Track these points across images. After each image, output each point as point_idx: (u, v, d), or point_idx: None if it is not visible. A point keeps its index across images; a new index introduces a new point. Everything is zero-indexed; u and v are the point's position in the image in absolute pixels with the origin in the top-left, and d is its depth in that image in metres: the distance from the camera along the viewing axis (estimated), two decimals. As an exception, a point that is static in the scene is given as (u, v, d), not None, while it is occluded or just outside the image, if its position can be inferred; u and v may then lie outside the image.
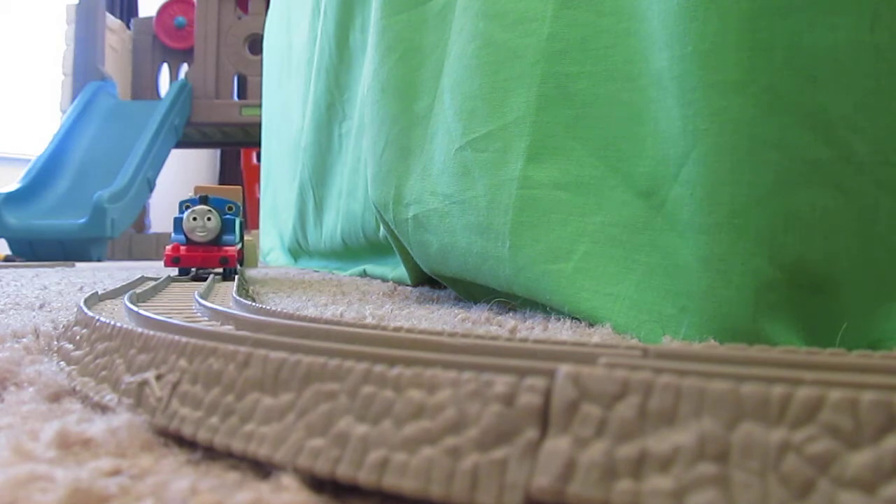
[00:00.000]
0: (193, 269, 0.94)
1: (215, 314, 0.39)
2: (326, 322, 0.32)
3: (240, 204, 1.05)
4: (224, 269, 0.92)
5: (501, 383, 0.17)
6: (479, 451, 0.16)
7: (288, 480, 0.18)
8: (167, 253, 0.89)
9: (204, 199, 0.93)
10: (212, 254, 0.90)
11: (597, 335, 0.44)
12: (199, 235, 0.91)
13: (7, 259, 2.26)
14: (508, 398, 0.17)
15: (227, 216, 0.95)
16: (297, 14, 1.62)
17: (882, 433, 0.14)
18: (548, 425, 0.16)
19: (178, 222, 0.92)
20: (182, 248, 0.90)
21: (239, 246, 1.01)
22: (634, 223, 0.47)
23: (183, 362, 0.24)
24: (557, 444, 0.16)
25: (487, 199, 0.57)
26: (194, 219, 0.91)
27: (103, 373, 0.28)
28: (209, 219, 0.91)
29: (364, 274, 1.21)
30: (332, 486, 0.19)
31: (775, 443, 0.14)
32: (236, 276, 0.85)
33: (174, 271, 0.93)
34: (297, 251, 1.69)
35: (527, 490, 0.15)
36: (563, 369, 0.17)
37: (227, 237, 0.94)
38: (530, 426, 0.16)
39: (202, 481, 0.19)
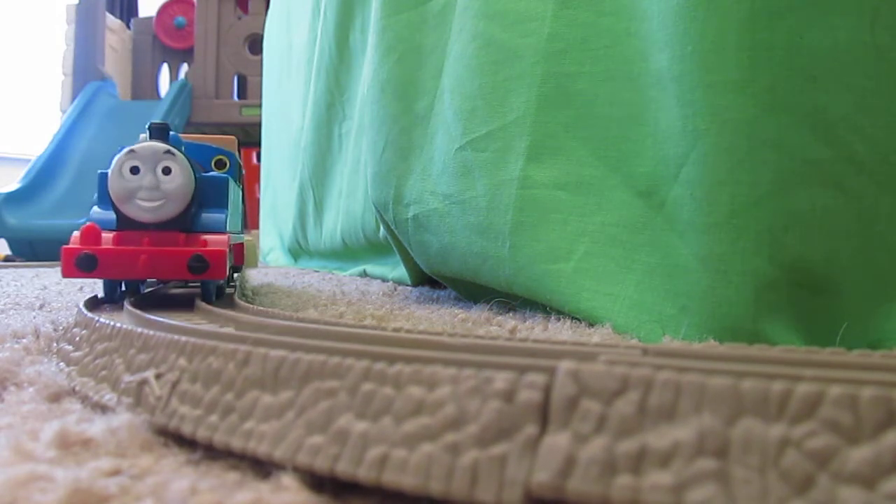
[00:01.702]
0: (140, 285, 0.50)
1: (215, 316, 0.39)
2: (326, 323, 0.32)
3: (237, 157, 0.61)
4: (202, 284, 0.47)
5: (501, 380, 0.17)
6: (479, 447, 0.16)
7: (288, 480, 0.18)
8: (66, 248, 0.42)
9: (160, 130, 0.46)
10: (172, 249, 0.43)
11: (597, 335, 0.44)
12: (143, 207, 0.44)
13: (7, 259, 2.25)
14: (508, 394, 0.17)
15: (213, 175, 0.50)
16: (297, 14, 1.62)
17: (882, 429, 0.14)
18: (548, 421, 0.16)
19: (102, 181, 0.46)
20: (104, 235, 0.43)
21: (235, 237, 0.56)
22: (634, 223, 0.47)
23: (182, 361, 0.24)
24: (557, 440, 0.16)
25: (487, 199, 0.57)
26: (133, 170, 0.43)
27: (103, 373, 0.28)
28: (167, 171, 0.44)
29: (364, 274, 1.21)
30: (332, 486, 0.19)
31: (775, 438, 0.14)
32: (234, 287, 0.58)
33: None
34: (297, 251, 1.69)
35: (526, 486, 0.15)
36: (564, 365, 0.17)
37: (209, 215, 0.47)
38: (530, 422, 0.16)
39: (202, 481, 0.19)
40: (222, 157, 0.58)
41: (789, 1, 0.36)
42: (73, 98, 3.10)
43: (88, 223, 0.44)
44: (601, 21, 0.50)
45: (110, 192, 0.44)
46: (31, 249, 2.45)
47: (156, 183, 0.44)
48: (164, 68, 3.53)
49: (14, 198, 2.58)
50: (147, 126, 0.47)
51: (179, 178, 0.44)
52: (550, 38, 0.53)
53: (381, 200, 0.74)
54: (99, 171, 0.47)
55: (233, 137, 0.67)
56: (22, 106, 3.73)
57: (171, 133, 0.47)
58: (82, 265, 0.42)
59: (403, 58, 0.70)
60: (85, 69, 3.14)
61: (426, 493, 0.17)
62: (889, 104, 0.37)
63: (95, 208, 0.48)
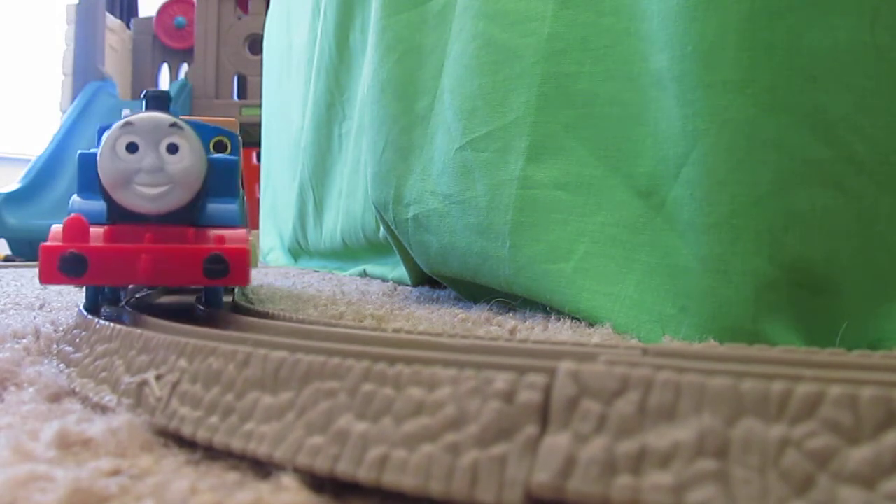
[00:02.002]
0: (121, 293, 0.44)
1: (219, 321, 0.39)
2: (326, 324, 0.32)
3: (239, 138, 0.48)
4: (205, 292, 0.41)
5: (501, 380, 0.17)
6: (479, 447, 0.16)
7: (288, 480, 0.18)
8: (46, 246, 0.33)
9: (159, 100, 0.38)
10: (183, 248, 0.35)
11: (597, 335, 0.44)
12: (142, 195, 0.35)
13: (7, 259, 2.26)
14: (508, 395, 0.17)
15: (221, 157, 0.41)
16: (297, 14, 1.62)
17: (882, 429, 0.14)
18: (548, 422, 0.16)
19: (85, 164, 0.39)
20: (93, 230, 0.35)
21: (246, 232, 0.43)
22: (634, 223, 0.47)
23: (183, 362, 0.24)
24: (557, 441, 0.16)
25: (487, 199, 0.57)
26: (130, 147, 0.35)
27: (103, 374, 0.28)
28: (173, 148, 0.35)
29: (364, 274, 1.21)
30: (332, 486, 0.19)
31: (775, 438, 0.14)
32: (233, 291, 0.52)
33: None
34: (297, 251, 1.69)
35: (526, 486, 0.15)
36: (564, 366, 0.17)
37: (218, 205, 0.39)
38: (530, 422, 0.16)
39: (202, 481, 0.19)
40: (223, 138, 0.46)
41: (789, 1, 0.36)
42: (73, 98, 3.10)
43: (73, 214, 0.35)
44: (601, 21, 0.50)
45: (101, 176, 0.35)
46: (31, 249, 2.45)
47: (159, 164, 0.35)
48: (164, 68, 3.53)
49: (14, 198, 2.58)
50: (142, 95, 0.38)
51: (189, 158, 0.35)
52: (550, 38, 0.53)
53: (381, 200, 0.74)
54: (79, 152, 0.39)
55: (234, 119, 0.55)
56: (22, 106, 3.73)
57: (170, 101, 0.38)
58: (68, 268, 0.33)
59: (403, 58, 0.70)
60: (85, 69, 3.14)
61: (426, 494, 0.17)
62: (889, 104, 0.37)
63: (75, 198, 0.39)
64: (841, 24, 0.36)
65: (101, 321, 0.33)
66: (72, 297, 0.73)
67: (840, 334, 0.38)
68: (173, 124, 0.35)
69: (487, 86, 0.58)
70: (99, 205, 0.37)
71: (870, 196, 0.37)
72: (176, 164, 0.35)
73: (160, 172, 0.35)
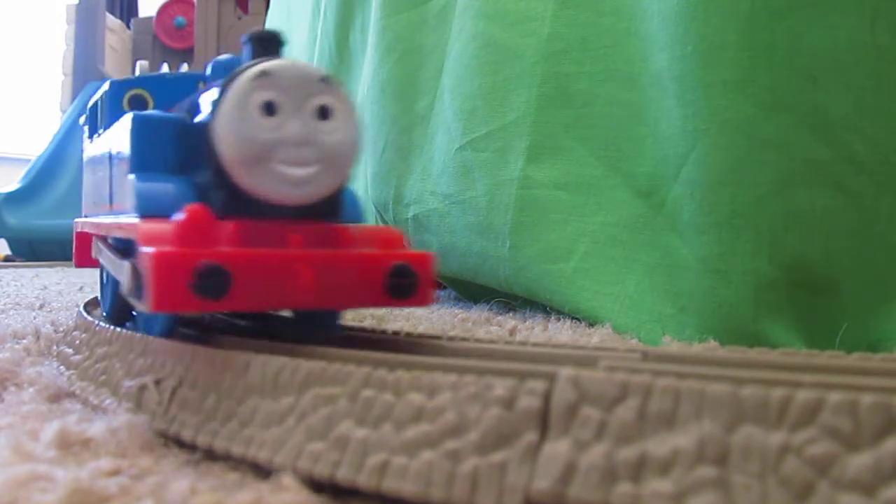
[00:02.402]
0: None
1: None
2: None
3: None
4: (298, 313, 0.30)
5: (501, 386, 0.17)
6: (479, 454, 0.16)
7: (288, 480, 0.18)
8: (164, 254, 0.21)
9: (268, 42, 0.26)
10: (356, 256, 0.24)
11: (597, 335, 0.44)
12: (287, 177, 0.24)
13: (7, 259, 2.26)
14: (508, 401, 0.17)
15: None
16: (297, 14, 1.62)
17: (881, 435, 0.14)
18: (548, 428, 0.16)
19: (146, 130, 0.28)
20: (228, 225, 0.24)
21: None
22: (634, 223, 0.47)
23: (182, 367, 0.24)
24: (557, 447, 0.16)
25: (487, 199, 0.57)
26: (267, 108, 0.24)
27: (102, 377, 0.28)
28: (324, 112, 0.25)
29: (364, 274, 1.20)
30: (332, 487, 0.19)
31: (775, 445, 0.14)
32: None
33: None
34: (298, 251, 1.69)
35: (526, 493, 0.15)
36: (563, 372, 0.17)
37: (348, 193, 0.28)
38: (530, 429, 0.16)
39: (202, 481, 0.19)
40: None
41: (789, 1, 0.36)
42: (73, 98, 3.10)
43: (194, 205, 0.23)
44: (601, 21, 0.50)
45: (223, 149, 0.24)
46: (31, 249, 2.45)
47: (307, 133, 0.25)
48: (164, 68, 3.53)
49: (14, 198, 2.58)
50: (245, 38, 0.27)
51: (345, 128, 0.25)
52: (550, 38, 0.53)
53: (381, 200, 0.74)
54: (135, 114, 0.28)
55: None
56: (22, 106, 3.73)
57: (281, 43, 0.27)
58: (207, 287, 0.22)
59: (403, 58, 0.69)
60: (85, 69, 3.14)
61: (426, 501, 0.17)
62: (889, 104, 0.37)
63: (132, 179, 0.26)
64: (841, 24, 0.36)
65: (101, 323, 0.32)
66: (71, 297, 0.73)
67: (840, 334, 0.38)
68: (323, 79, 0.25)
69: (487, 86, 0.58)
70: (173, 189, 0.26)
71: (870, 196, 0.37)
72: (329, 134, 0.25)
73: (309, 146, 0.25)
